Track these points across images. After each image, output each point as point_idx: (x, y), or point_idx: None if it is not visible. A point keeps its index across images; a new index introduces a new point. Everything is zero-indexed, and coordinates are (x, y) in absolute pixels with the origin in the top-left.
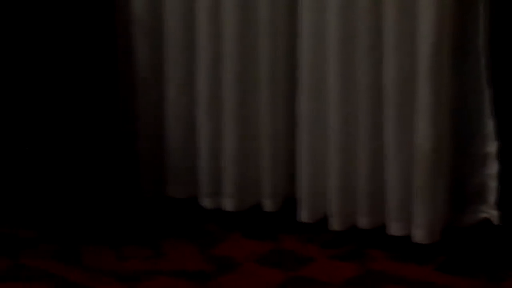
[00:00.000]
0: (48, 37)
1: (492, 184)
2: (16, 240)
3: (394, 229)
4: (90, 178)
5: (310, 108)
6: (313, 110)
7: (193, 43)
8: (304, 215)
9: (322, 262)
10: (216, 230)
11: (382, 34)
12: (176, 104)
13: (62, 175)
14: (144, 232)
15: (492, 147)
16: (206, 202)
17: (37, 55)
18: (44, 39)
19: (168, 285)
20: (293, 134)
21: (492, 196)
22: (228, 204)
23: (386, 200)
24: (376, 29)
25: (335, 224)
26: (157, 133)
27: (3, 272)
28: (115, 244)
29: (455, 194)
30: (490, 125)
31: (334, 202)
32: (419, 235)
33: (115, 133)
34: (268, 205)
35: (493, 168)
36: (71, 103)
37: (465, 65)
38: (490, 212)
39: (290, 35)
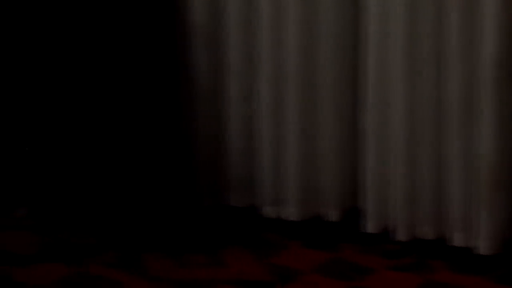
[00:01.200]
0: (113, 47)
1: None
2: (79, 248)
3: (457, 240)
4: (151, 187)
5: (374, 119)
6: (377, 121)
7: (254, 54)
8: (367, 225)
9: (383, 273)
10: (276, 239)
11: (445, 45)
12: (237, 114)
13: (124, 184)
14: (205, 241)
15: None
16: (268, 211)
17: (104, 65)
18: (111, 49)
19: None
20: (356, 145)
21: None
22: (290, 213)
23: (449, 211)
24: (439, 40)
25: (398, 234)
26: (217, 142)
27: (67, 280)
28: (176, 253)
29: None
30: None
31: (398, 212)
32: (482, 246)
33: (175, 143)
34: (330, 214)
35: None
36: (133, 115)
37: None
38: None
39: (353, 45)
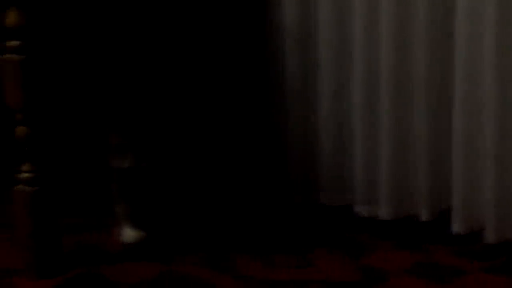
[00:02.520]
0: (204, 49)
1: None
2: (168, 247)
3: None
4: (242, 186)
5: (465, 120)
6: (466, 122)
7: (346, 53)
8: (457, 226)
9: (474, 275)
10: (368, 240)
11: None
12: (328, 112)
13: (215, 183)
14: (295, 240)
15: None
16: (361, 210)
17: (196, 67)
18: (202, 51)
19: None
20: (448, 145)
21: None
22: (383, 213)
23: None
24: None
25: (489, 236)
26: (309, 141)
27: (156, 279)
28: (266, 253)
29: None
30: None
31: (489, 214)
32: None
33: (267, 142)
34: (423, 215)
35: None
36: (225, 114)
37: None
38: None
39: (446, 46)
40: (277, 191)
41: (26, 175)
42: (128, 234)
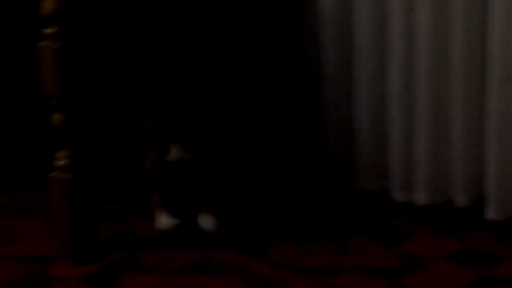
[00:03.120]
0: (243, 39)
1: None
2: (203, 233)
3: None
4: (280, 173)
5: (500, 105)
6: (502, 107)
7: (383, 41)
8: (492, 213)
9: None
10: (405, 226)
11: None
12: (367, 98)
13: (254, 170)
14: (332, 226)
15: None
16: (397, 196)
17: (237, 55)
18: (242, 39)
19: (354, 282)
20: (484, 131)
21: None
22: (420, 198)
23: None
24: None
25: None
26: (348, 126)
27: (192, 265)
28: (302, 239)
29: None
30: None
31: None
32: None
33: (304, 127)
34: (460, 201)
35: None
36: (266, 102)
37: None
38: None
39: (482, 32)
40: (315, 177)
41: (62, 162)
42: (163, 221)
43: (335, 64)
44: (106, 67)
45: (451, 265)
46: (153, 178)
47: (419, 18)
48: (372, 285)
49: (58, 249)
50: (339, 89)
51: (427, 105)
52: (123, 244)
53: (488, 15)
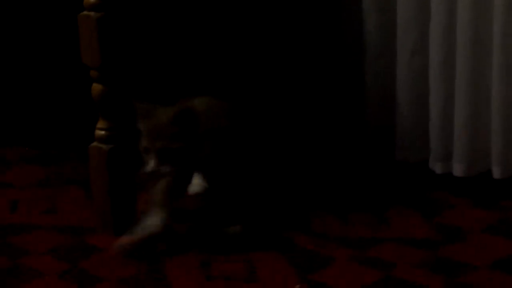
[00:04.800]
0: (286, 9)
1: None
2: (245, 206)
3: None
4: (321, 145)
5: None
6: None
7: (426, 8)
8: None
9: None
10: (443, 197)
11: None
12: (407, 69)
13: (293, 141)
14: (372, 198)
15: None
16: (437, 167)
17: (278, 24)
18: (283, 11)
19: (394, 253)
20: None
21: None
22: (458, 170)
23: None
24: None
25: None
26: (387, 97)
27: (234, 235)
28: (342, 210)
29: None
30: None
31: None
32: None
33: (344, 99)
34: (497, 172)
35: None
36: (305, 70)
37: None
38: None
39: None
40: (355, 148)
41: (102, 132)
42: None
43: (376, 35)
44: (146, 38)
45: (491, 236)
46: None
47: None
48: (412, 256)
49: (98, 220)
50: (380, 60)
51: (467, 76)
52: None
53: None
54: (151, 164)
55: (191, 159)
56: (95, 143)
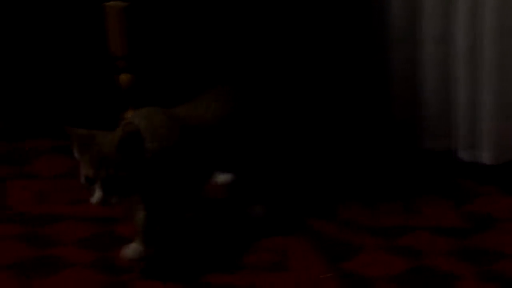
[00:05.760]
0: None
1: None
2: (273, 194)
3: None
4: (345, 134)
5: None
6: None
7: None
8: None
9: None
10: (471, 185)
11: None
12: (432, 57)
13: (320, 130)
14: (399, 187)
15: None
16: (463, 155)
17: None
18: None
19: (423, 241)
20: None
21: None
22: (486, 158)
23: None
24: None
25: None
26: (411, 86)
27: (260, 220)
28: (370, 199)
29: None
30: None
31: None
32: None
33: (370, 87)
34: None
35: None
36: (329, 57)
37: None
38: None
39: None
40: (380, 136)
41: None
42: None
43: (400, 23)
44: (172, 27)
45: None
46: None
47: None
48: (442, 244)
49: (126, 210)
50: (406, 47)
51: (493, 63)
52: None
53: None
54: (97, 196)
55: (139, 186)
56: None
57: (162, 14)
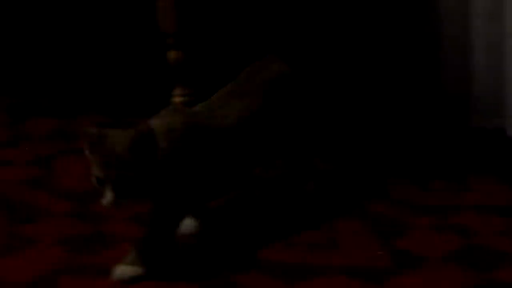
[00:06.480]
0: None
1: None
2: (324, 171)
3: None
4: (396, 112)
5: None
6: None
7: None
8: None
9: None
10: None
11: None
12: (483, 34)
13: (370, 107)
14: (450, 165)
15: None
16: None
17: None
18: None
19: (475, 220)
20: None
21: None
22: None
23: None
24: None
25: None
26: (462, 63)
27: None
28: (421, 178)
29: None
30: None
31: None
32: None
33: (420, 64)
34: None
35: None
36: (379, 33)
37: None
38: None
39: None
40: (431, 115)
41: (179, 99)
42: None
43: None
44: (221, 3)
45: None
46: None
47: None
48: (494, 223)
49: None
50: (455, 23)
51: None
52: None
53: None
54: (107, 197)
55: (151, 188)
56: None
57: None
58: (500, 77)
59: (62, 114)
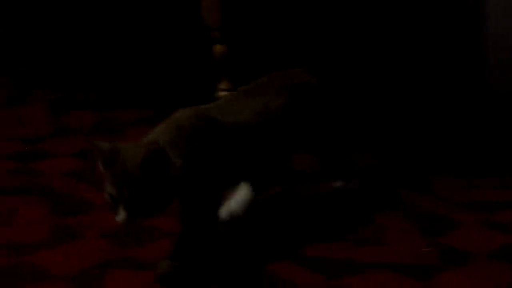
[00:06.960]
0: None
1: None
2: (366, 166)
3: None
4: (441, 107)
5: None
6: None
7: None
8: None
9: None
10: None
11: None
12: None
13: (417, 105)
14: (496, 162)
15: None
16: None
17: None
18: None
19: None
20: None
21: None
22: None
23: None
24: None
25: None
26: (509, 56)
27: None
28: (466, 174)
29: None
30: None
31: None
32: None
33: (467, 57)
34: None
35: None
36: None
37: None
38: None
39: None
40: (477, 109)
41: (224, 93)
42: None
43: None
44: None
45: None
46: None
47: None
48: None
49: None
50: (503, 21)
51: None
52: None
53: None
54: (120, 216)
55: (165, 204)
56: None
57: None
58: None
59: (103, 107)
